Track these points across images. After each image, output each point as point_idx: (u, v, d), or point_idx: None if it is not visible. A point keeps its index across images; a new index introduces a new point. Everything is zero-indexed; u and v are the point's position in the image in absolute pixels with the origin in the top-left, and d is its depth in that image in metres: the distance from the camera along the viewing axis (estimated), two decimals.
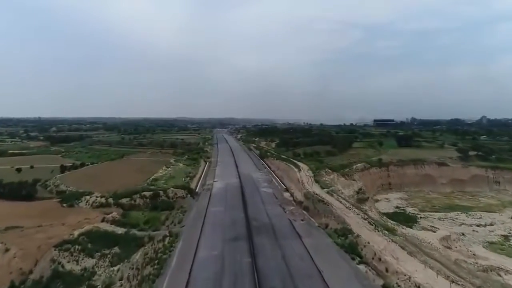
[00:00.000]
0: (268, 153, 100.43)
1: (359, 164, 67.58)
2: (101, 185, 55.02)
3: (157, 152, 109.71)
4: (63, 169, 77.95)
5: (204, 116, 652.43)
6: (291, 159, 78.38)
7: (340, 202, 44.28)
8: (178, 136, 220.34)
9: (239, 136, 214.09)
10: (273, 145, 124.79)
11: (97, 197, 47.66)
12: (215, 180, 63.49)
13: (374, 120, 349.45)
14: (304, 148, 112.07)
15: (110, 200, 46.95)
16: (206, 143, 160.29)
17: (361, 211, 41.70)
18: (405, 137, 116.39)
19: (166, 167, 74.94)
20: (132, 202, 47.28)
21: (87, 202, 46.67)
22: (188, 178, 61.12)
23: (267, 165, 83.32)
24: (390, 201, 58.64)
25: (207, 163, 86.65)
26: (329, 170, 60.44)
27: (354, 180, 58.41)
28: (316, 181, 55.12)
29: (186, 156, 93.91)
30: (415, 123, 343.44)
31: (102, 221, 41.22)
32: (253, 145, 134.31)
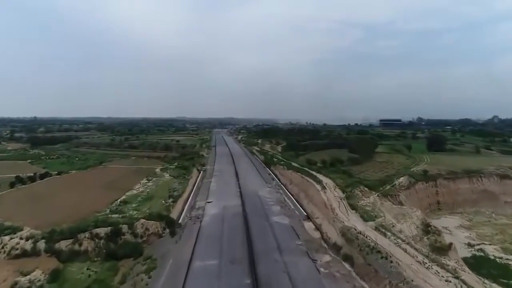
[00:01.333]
0: (275, 159, 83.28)
1: (402, 179, 50.38)
2: (44, 212, 38.01)
3: (143, 157, 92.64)
4: (18, 180, 61.03)
5: (204, 116, 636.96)
6: (306, 169, 61.25)
7: (406, 251, 27.16)
8: (174, 137, 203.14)
9: (239, 137, 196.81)
10: (279, 148, 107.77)
11: (21, 238, 30.51)
12: (209, 201, 46.37)
13: (380, 120, 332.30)
14: (316, 152, 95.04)
15: (41, 244, 29.84)
16: (203, 145, 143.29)
17: (447, 271, 24.58)
18: (436, 139, 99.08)
19: (147, 179, 57.82)
20: (76, 246, 30.17)
21: (3, 247, 29.51)
22: (171, 199, 43.96)
23: (275, 175, 66.21)
24: (452, 233, 41.56)
25: (201, 172, 69.47)
26: (366, 189, 43.35)
27: (402, 204, 41.36)
28: (352, 206, 38.02)
29: (176, 163, 76.75)
30: (423, 123, 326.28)
31: None
32: (256, 148, 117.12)
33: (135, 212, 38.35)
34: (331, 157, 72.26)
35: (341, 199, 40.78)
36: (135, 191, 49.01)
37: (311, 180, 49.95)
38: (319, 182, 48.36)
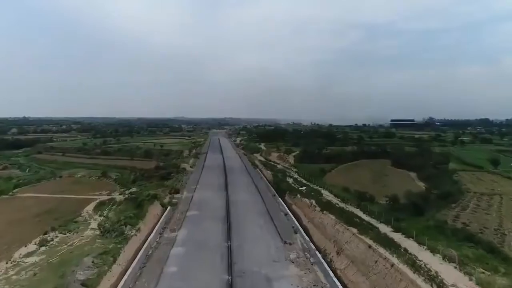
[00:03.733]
0: (290, 179, 53.49)
1: None
2: None
3: (90, 176, 62.23)
4: None
5: (204, 116, 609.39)
6: (362, 215, 31.29)
7: None
8: (164, 139, 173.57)
9: (238, 140, 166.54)
10: (291, 158, 77.59)
11: None
12: None
13: (392, 120, 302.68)
14: (348, 166, 65.43)
15: None
16: (193, 151, 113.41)
17: None
18: None
19: (39, 244, 27.63)
20: None
21: None
22: None
23: (296, 218, 36.17)
24: None
25: (167, 210, 39.19)
26: None
27: None
28: None
29: (133, 190, 46.65)
30: (438, 123, 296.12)
31: None
32: (259, 157, 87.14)
33: None
34: (376, 175, 41.97)
35: None
36: None
37: (409, 272, 19.74)
38: (432, 279, 18.17)
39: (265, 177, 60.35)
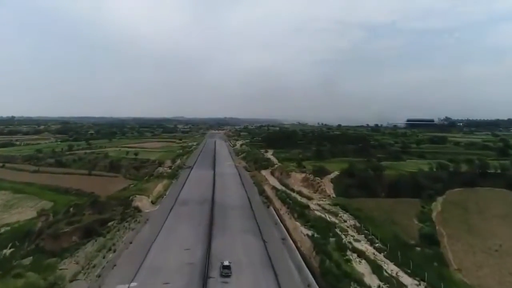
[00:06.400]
0: (361, 267, 20.95)
1: None
2: None
3: None
4: None
5: (204, 115, 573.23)
6: None
7: None
8: (150, 142, 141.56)
9: (238, 144, 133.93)
10: (328, 185, 44.51)
11: None
12: None
13: (408, 120, 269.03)
14: (445, 209, 32.92)
15: None
16: (177, 162, 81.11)
17: None
18: None
19: None
20: None
21: None
22: None
23: None
24: None
25: None
26: None
27: None
28: None
29: None
30: (460, 123, 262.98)
31: None
32: (271, 177, 54.81)
33: None
34: None
35: None
36: None
37: None
38: None
39: (293, 239, 27.97)
